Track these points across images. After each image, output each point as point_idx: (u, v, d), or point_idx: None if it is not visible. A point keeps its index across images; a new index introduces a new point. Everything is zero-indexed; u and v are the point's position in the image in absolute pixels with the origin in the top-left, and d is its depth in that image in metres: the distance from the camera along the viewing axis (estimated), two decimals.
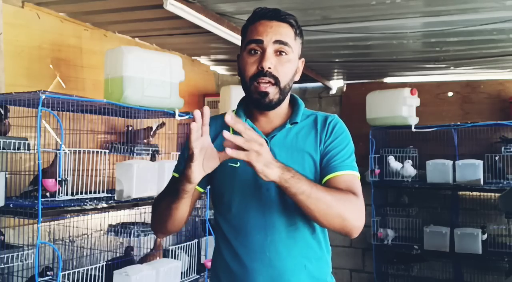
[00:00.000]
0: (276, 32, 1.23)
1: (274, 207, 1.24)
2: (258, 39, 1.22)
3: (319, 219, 1.14)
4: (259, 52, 1.23)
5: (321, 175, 1.26)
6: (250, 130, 1.02)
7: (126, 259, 2.72)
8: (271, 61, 1.22)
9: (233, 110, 1.36)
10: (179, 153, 1.43)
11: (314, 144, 1.28)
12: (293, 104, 1.35)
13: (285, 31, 1.24)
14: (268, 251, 1.23)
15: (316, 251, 1.30)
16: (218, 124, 1.29)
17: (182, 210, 1.21)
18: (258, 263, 1.24)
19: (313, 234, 1.29)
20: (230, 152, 0.99)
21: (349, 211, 1.16)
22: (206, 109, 1.06)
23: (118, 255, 2.83)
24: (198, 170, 1.07)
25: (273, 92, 1.23)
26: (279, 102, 1.26)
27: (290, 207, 1.23)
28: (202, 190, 1.35)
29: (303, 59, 1.34)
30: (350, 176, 1.25)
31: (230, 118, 1.00)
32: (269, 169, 1.03)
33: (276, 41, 1.22)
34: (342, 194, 1.18)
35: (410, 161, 4.09)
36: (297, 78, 1.32)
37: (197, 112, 1.04)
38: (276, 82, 1.23)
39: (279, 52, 1.24)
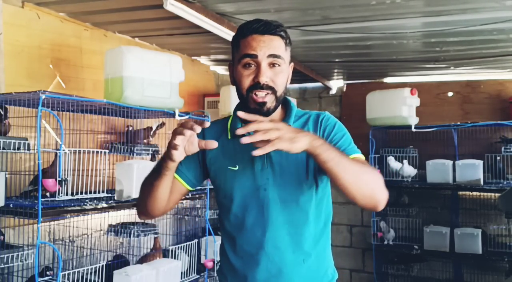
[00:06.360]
0: (269, 46, 1.29)
1: (272, 205, 1.31)
2: (253, 54, 1.28)
3: (349, 188, 1.16)
4: (253, 66, 1.29)
5: None
6: (261, 118, 1.13)
7: (120, 260, 2.72)
8: (267, 75, 1.28)
9: (230, 116, 1.43)
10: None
11: None
12: (286, 106, 1.41)
13: (277, 45, 1.30)
14: (267, 247, 1.31)
15: (315, 246, 1.35)
16: (217, 129, 1.39)
17: (163, 190, 1.30)
18: (258, 259, 1.31)
19: (312, 230, 1.34)
20: (256, 152, 1.08)
21: (376, 181, 1.21)
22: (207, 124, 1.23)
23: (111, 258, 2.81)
24: (180, 152, 1.18)
25: (270, 101, 1.30)
26: (275, 108, 1.34)
27: (288, 205, 1.30)
28: (189, 188, 1.42)
29: (292, 64, 1.40)
30: (360, 158, 1.30)
31: (243, 114, 1.16)
32: (297, 143, 1.09)
33: (270, 55, 1.28)
34: (367, 165, 1.23)
35: (406, 161, 4.09)
36: (288, 83, 1.38)
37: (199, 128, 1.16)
38: (273, 92, 1.29)
39: (272, 64, 1.29)
